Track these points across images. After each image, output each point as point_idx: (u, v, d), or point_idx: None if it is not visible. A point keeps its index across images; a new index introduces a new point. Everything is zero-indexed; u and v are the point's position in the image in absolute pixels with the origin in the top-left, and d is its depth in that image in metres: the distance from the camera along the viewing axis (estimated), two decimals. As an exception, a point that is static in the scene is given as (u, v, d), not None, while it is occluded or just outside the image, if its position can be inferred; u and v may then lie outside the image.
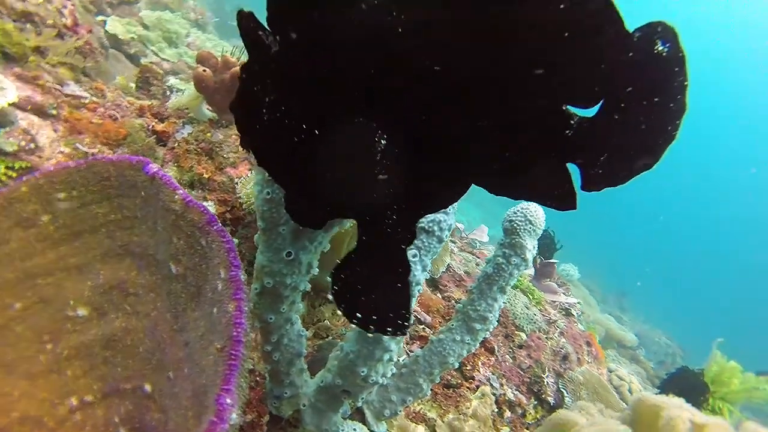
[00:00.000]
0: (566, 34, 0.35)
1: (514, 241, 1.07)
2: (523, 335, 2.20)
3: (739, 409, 3.62)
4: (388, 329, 0.65)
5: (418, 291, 0.96)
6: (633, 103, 0.40)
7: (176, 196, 0.75)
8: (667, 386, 3.48)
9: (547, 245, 3.60)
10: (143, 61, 3.20)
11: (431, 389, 1.35)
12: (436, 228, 0.86)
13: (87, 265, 0.93)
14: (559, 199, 0.49)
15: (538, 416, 2.00)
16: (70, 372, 0.94)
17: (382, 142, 0.50)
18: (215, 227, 0.69)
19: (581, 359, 2.42)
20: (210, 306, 0.72)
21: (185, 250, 0.77)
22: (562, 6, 0.34)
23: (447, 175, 0.53)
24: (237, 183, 1.41)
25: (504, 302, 1.21)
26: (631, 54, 0.37)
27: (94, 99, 1.76)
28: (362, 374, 1.01)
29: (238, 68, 1.45)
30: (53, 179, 0.88)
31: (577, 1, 0.33)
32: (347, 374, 1.03)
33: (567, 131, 0.42)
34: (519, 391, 1.91)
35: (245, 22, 0.50)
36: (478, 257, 2.76)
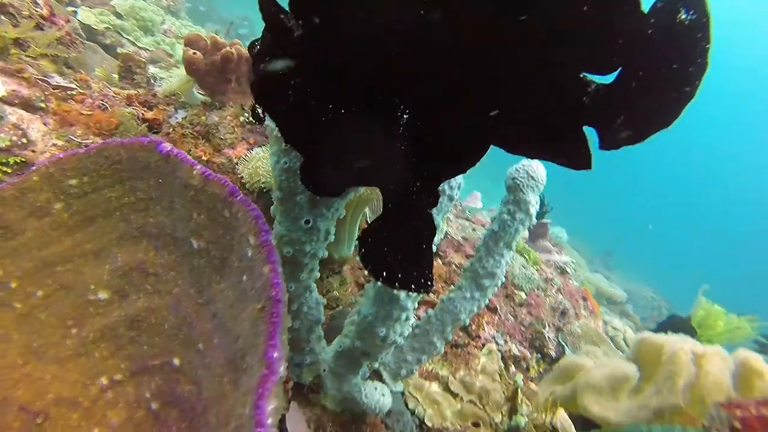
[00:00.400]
0: (585, 7, 0.37)
1: (518, 197, 1.11)
2: (523, 294, 2.27)
3: (724, 347, 3.83)
4: (413, 286, 0.68)
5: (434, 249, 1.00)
6: (652, 72, 0.41)
7: (195, 172, 0.76)
8: (658, 332, 3.64)
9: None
10: (120, 51, 3.12)
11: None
12: (446, 187, 0.89)
13: (104, 250, 0.95)
14: (575, 160, 0.51)
15: (540, 369, 2.09)
16: (98, 354, 0.96)
17: (405, 113, 0.53)
18: (239, 197, 0.71)
19: (578, 313, 2.51)
20: (238, 275, 0.74)
21: (207, 224, 0.79)
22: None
23: (468, 137, 0.55)
24: (237, 163, 1.41)
25: (509, 259, 1.25)
26: (650, 25, 0.38)
27: (81, 90, 1.73)
28: (381, 335, 1.05)
29: (228, 49, 1.43)
30: (64, 167, 0.89)
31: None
32: (366, 336, 1.07)
33: (584, 98, 0.44)
34: (522, 347, 1.99)
35: (267, 5, 0.51)
36: (474, 223, 2.82)
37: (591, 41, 0.39)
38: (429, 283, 0.68)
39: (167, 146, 0.81)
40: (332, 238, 0.95)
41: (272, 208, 0.91)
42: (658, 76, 0.40)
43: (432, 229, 0.63)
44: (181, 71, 1.54)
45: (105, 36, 3.17)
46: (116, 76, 2.26)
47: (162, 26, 3.51)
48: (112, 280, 0.95)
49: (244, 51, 1.51)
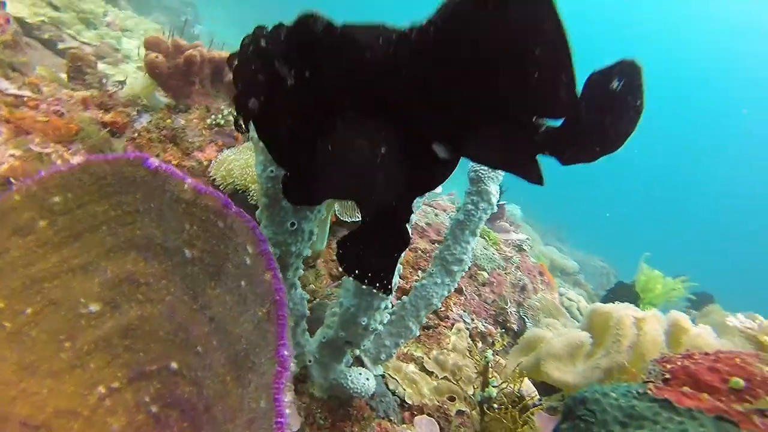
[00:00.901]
0: (534, 80, 0.46)
1: (481, 188, 1.21)
2: (485, 274, 2.42)
3: (660, 307, 4.26)
4: (377, 285, 0.77)
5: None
6: (591, 124, 0.51)
7: (186, 186, 0.80)
8: (607, 299, 3.96)
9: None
10: (60, 46, 2.97)
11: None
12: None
13: (91, 264, 0.97)
14: (530, 177, 0.61)
15: (504, 343, 2.25)
16: (93, 364, 0.99)
17: (383, 137, 0.60)
18: (233, 209, 0.76)
19: (536, 288, 2.71)
20: (235, 281, 0.80)
21: (200, 234, 0.83)
22: (534, 73, 0.44)
23: (442, 161, 0.63)
24: (211, 165, 1.44)
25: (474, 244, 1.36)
26: (588, 90, 0.48)
27: (32, 95, 1.68)
28: (363, 324, 1.14)
29: (191, 52, 1.44)
30: (47, 185, 0.90)
31: (545, 75, 0.44)
32: (349, 326, 1.16)
33: (536, 137, 0.53)
34: (488, 323, 2.14)
35: (262, 56, 0.58)
36: (435, 208, 2.94)
37: (537, 103, 0.48)
38: (390, 286, 0.77)
39: (155, 161, 0.84)
40: (315, 237, 1.02)
41: (257, 212, 0.97)
42: (597, 127, 0.50)
43: (404, 241, 0.72)
44: (138, 74, 1.53)
45: (42, 30, 2.99)
46: (65, 77, 2.18)
47: (104, 18, 3.34)
48: (102, 293, 0.97)
49: (207, 53, 1.52)
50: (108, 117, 1.73)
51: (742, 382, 0.71)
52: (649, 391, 0.66)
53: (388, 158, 0.62)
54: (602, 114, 0.48)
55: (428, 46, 0.48)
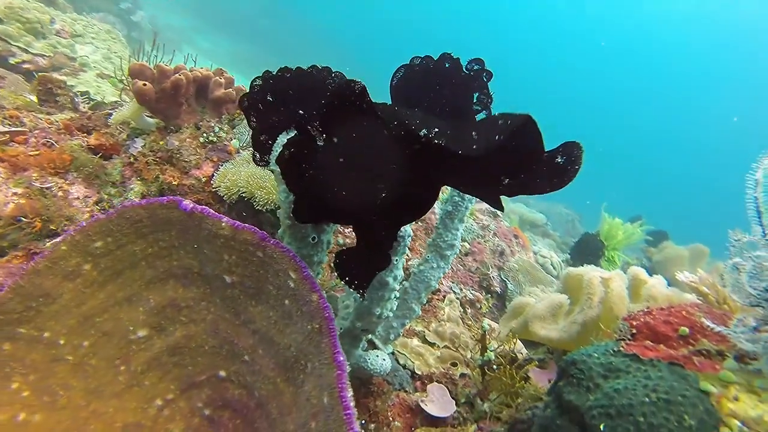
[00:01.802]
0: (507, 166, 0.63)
1: (466, 184, 1.37)
2: (467, 244, 2.62)
3: (623, 250, 4.66)
4: (356, 289, 0.95)
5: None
6: (543, 181, 0.70)
7: (223, 224, 0.92)
8: (575, 250, 4.30)
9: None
10: (12, 60, 2.88)
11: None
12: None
13: (135, 295, 1.08)
14: (495, 206, 0.81)
15: (489, 305, 2.49)
16: (148, 381, 1.12)
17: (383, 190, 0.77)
18: (271, 241, 0.89)
19: (513, 250, 2.94)
20: (277, 299, 0.94)
21: (239, 263, 0.96)
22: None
23: (423, 200, 0.81)
24: (213, 179, 1.53)
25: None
26: (542, 162, 0.67)
27: (16, 129, 1.70)
28: (377, 314, 1.30)
29: (178, 77, 1.50)
30: (88, 232, 1.00)
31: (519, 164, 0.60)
32: (365, 317, 1.32)
33: (500, 186, 0.71)
34: (474, 290, 2.36)
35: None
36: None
37: (501, 176, 0.66)
38: (364, 293, 0.96)
39: (188, 204, 0.95)
40: (332, 245, 1.16)
41: (280, 231, 1.10)
42: (546, 183, 0.69)
43: (386, 263, 0.90)
44: (103, 83, 1.58)
45: (-13, 45, 2.88)
46: (34, 99, 2.16)
47: (52, 26, 3.22)
48: (148, 319, 1.09)
49: (191, 74, 1.58)
50: (93, 140, 1.78)
51: (687, 330, 0.91)
52: (621, 348, 0.85)
53: (386, 203, 0.78)
54: (550, 177, 0.67)
55: (462, 149, 0.65)
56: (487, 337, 1.47)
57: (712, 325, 0.83)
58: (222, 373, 1.12)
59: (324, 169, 0.78)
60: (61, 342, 1.03)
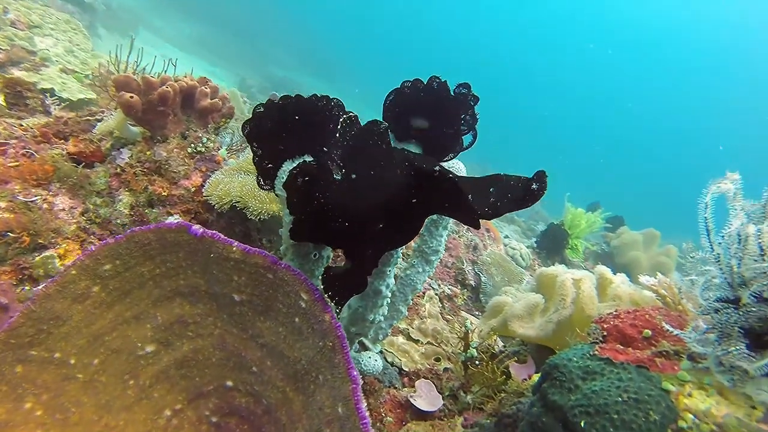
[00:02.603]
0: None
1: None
2: (443, 241, 2.74)
3: (585, 238, 4.95)
4: (335, 302, 1.05)
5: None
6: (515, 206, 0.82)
7: (234, 248, 0.98)
8: (542, 239, 4.52)
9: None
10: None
11: (402, 308, 1.79)
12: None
13: (142, 313, 1.12)
14: (472, 225, 0.90)
15: (464, 297, 2.63)
16: (156, 394, 1.17)
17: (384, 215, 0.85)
18: (282, 265, 0.95)
19: (485, 244, 3.09)
20: (287, 317, 1.01)
21: (249, 283, 1.02)
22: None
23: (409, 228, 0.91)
24: (204, 188, 1.56)
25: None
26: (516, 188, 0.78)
27: (-8, 138, 1.66)
28: (370, 319, 1.39)
29: (165, 89, 1.50)
30: (97, 256, 1.03)
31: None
32: (358, 322, 1.40)
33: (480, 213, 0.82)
34: (451, 286, 2.48)
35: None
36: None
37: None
38: (341, 308, 1.08)
39: (198, 229, 1.00)
40: (330, 260, 1.23)
41: (282, 248, 1.16)
42: (522, 204, 0.80)
43: (362, 287, 1.04)
44: (68, 79, 1.57)
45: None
46: (2, 103, 2.09)
47: (6, 16, 3.05)
48: (155, 335, 1.14)
49: (177, 85, 1.58)
50: (72, 147, 1.75)
51: (650, 333, 1.05)
52: (596, 352, 0.98)
53: (380, 230, 0.87)
54: (525, 200, 0.81)
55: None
56: (470, 334, 1.59)
57: (671, 329, 0.96)
58: (229, 383, 1.18)
59: (335, 199, 0.85)
60: (72, 361, 1.06)
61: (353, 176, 0.79)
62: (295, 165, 0.96)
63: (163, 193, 1.60)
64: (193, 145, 1.64)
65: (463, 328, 1.57)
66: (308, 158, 0.99)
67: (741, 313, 0.82)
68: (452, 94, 1.21)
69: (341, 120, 0.88)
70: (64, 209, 1.60)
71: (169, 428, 1.17)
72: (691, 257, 0.98)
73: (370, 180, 0.80)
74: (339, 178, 0.82)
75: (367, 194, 0.82)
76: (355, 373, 0.85)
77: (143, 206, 1.61)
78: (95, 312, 1.07)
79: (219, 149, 1.67)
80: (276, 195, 1.08)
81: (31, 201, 1.53)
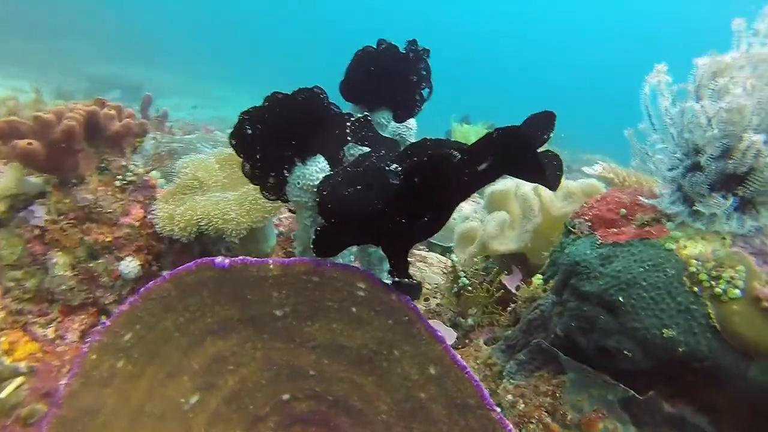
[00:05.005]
0: None
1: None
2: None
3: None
4: None
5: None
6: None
7: (271, 266, 0.93)
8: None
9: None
10: None
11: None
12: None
13: (176, 368, 1.03)
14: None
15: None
16: (215, 437, 1.10)
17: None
18: (328, 265, 0.94)
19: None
20: (341, 311, 1.01)
21: (290, 293, 0.99)
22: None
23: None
24: (156, 223, 1.40)
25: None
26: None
27: None
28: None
29: (68, 123, 1.26)
30: (114, 329, 0.91)
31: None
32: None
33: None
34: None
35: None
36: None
37: None
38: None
39: (224, 261, 0.93)
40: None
41: (298, 254, 1.13)
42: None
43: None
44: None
45: None
46: None
47: None
48: (196, 384, 1.06)
49: (78, 116, 1.34)
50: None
51: (624, 211, 1.26)
52: (601, 241, 1.15)
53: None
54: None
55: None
56: (457, 266, 1.72)
57: (646, 201, 1.17)
58: (285, 396, 1.16)
59: (390, 209, 0.85)
60: (122, 445, 0.95)
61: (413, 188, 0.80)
62: (335, 171, 0.93)
63: (106, 239, 1.40)
64: (119, 177, 1.44)
65: (451, 262, 1.70)
66: (321, 158, 0.95)
67: (705, 173, 1.03)
68: (402, 52, 1.22)
69: (353, 120, 0.86)
70: (-16, 298, 1.33)
71: (237, 462, 1.13)
72: (644, 144, 1.17)
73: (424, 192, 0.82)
74: (396, 181, 0.82)
75: (416, 203, 0.84)
76: (440, 334, 0.91)
77: (86, 261, 1.40)
78: (127, 387, 0.96)
79: (150, 172, 1.49)
80: (291, 201, 1.02)
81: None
